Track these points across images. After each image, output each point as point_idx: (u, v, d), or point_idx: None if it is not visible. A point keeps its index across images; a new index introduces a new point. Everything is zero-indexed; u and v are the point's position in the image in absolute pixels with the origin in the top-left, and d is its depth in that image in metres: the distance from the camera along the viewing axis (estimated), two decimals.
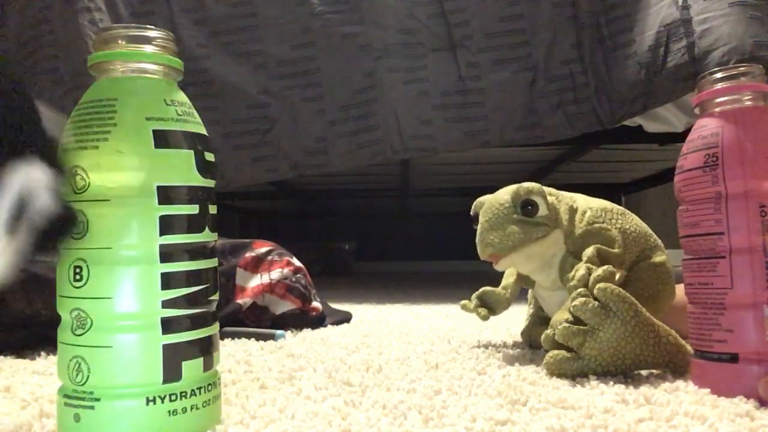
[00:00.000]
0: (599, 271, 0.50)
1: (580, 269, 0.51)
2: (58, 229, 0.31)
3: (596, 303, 0.48)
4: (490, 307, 0.65)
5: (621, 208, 0.60)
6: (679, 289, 0.56)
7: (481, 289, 0.66)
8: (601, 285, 0.48)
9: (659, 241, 0.60)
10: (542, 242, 0.55)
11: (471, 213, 0.59)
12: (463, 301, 0.66)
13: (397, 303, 1.20)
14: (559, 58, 1.14)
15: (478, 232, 0.56)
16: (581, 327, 0.48)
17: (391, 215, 3.02)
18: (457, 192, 2.24)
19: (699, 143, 0.44)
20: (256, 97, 1.18)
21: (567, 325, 0.48)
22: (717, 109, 0.44)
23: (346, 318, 0.90)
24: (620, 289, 0.48)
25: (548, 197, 0.56)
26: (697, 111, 0.46)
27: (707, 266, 0.43)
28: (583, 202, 0.59)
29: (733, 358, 0.41)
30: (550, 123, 1.14)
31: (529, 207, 0.55)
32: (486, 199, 0.58)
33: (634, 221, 0.59)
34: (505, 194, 0.56)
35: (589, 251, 0.53)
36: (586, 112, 1.13)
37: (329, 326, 0.83)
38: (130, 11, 1.21)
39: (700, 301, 0.44)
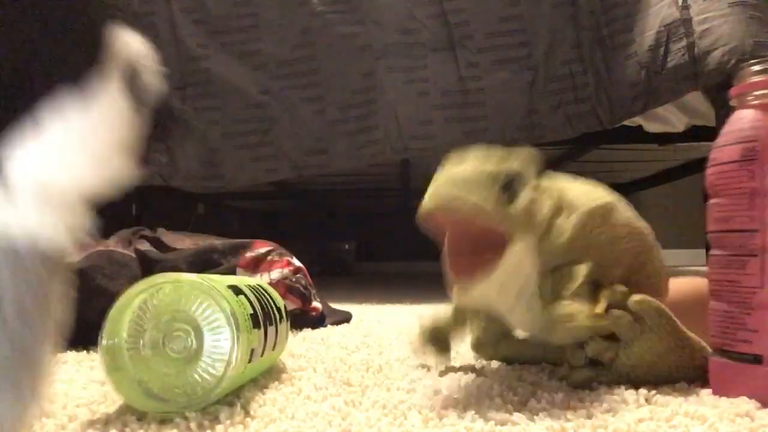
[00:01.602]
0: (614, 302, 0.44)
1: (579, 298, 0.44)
2: (169, 118, 0.30)
3: (631, 317, 0.44)
4: (445, 342, 0.53)
5: (605, 205, 0.49)
6: (684, 284, 0.55)
7: (429, 325, 0.53)
8: (638, 298, 0.45)
9: (653, 236, 0.52)
10: (514, 255, 0.42)
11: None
12: (414, 344, 0.54)
13: (397, 303, 1.20)
14: (559, 58, 1.14)
15: (433, 180, 0.43)
16: (613, 343, 0.45)
17: (391, 215, 3.01)
18: None
19: (736, 136, 0.42)
20: (256, 97, 1.18)
21: (599, 339, 0.45)
22: (756, 102, 0.42)
23: (346, 318, 0.90)
24: (658, 302, 0.45)
25: (529, 192, 0.44)
26: (734, 103, 0.44)
27: (736, 263, 0.42)
28: (567, 201, 0.48)
29: (757, 360, 0.40)
30: (550, 123, 1.14)
31: (508, 191, 0.43)
32: (460, 155, 0.45)
33: (622, 221, 0.49)
34: (486, 164, 0.43)
35: (579, 273, 0.45)
36: (586, 112, 1.13)
37: (329, 326, 0.83)
38: (131, 11, 1.21)
39: (725, 299, 0.43)
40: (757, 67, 0.43)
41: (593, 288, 0.46)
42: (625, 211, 0.50)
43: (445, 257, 0.44)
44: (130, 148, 0.28)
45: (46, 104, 0.24)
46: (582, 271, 0.45)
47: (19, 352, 0.23)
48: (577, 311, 0.43)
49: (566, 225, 0.46)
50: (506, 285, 0.43)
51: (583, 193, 0.49)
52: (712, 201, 0.45)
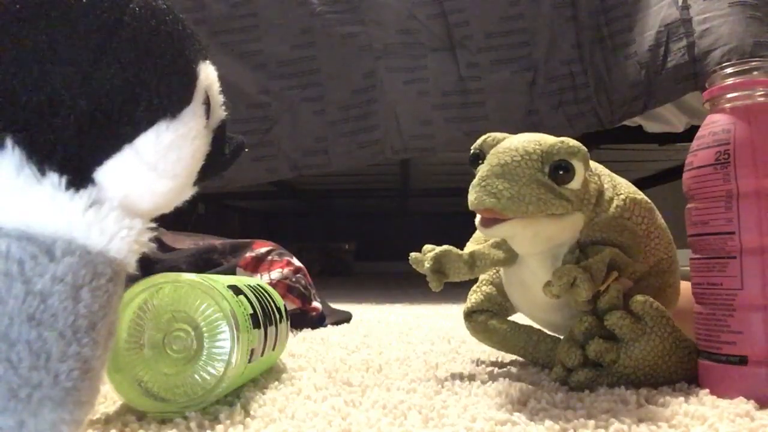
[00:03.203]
0: (609, 296, 0.44)
1: (569, 275, 0.43)
2: (232, 145, 0.33)
3: (632, 318, 0.44)
4: (443, 272, 0.49)
5: (650, 202, 0.50)
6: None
7: (441, 248, 0.50)
8: (640, 298, 0.44)
9: (676, 251, 0.53)
10: (558, 222, 0.44)
11: (472, 149, 0.46)
12: (415, 255, 0.50)
13: (397, 303, 1.20)
14: (559, 58, 1.15)
15: (480, 175, 0.42)
16: (614, 343, 0.44)
17: (391, 215, 3.01)
18: (457, 192, 2.24)
19: (710, 140, 0.43)
20: (256, 97, 1.18)
21: (600, 340, 0.44)
22: (728, 105, 0.42)
23: (346, 318, 0.90)
24: (658, 303, 0.45)
25: (582, 169, 0.44)
26: (707, 106, 0.44)
27: (717, 266, 0.42)
28: (609, 185, 0.48)
29: (742, 361, 0.40)
30: (550, 123, 1.14)
31: (561, 172, 0.42)
32: (503, 137, 0.45)
33: (660, 222, 0.51)
34: (534, 144, 0.43)
35: (605, 255, 0.45)
36: (586, 112, 1.13)
37: (329, 326, 0.83)
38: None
39: (708, 302, 0.43)
40: (729, 70, 0.43)
41: (608, 271, 0.45)
42: (661, 219, 0.51)
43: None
44: (197, 170, 0.31)
45: (145, 129, 0.26)
46: (608, 252, 0.45)
47: (84, 365, 0.24)
48: (580, 272, 0.43)
49: (613, 202, 0.47)
50: (539, 235, 0.44)
51: (628, 185, 0.50)
52: (689, 205, 0.45)
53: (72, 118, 0.25)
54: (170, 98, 0.27)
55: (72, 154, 0.25)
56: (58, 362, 0.23)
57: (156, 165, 0.27)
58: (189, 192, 0.31)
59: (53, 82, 0.24)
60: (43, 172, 0.24)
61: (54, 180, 0.24)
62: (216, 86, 0.32)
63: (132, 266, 0.28)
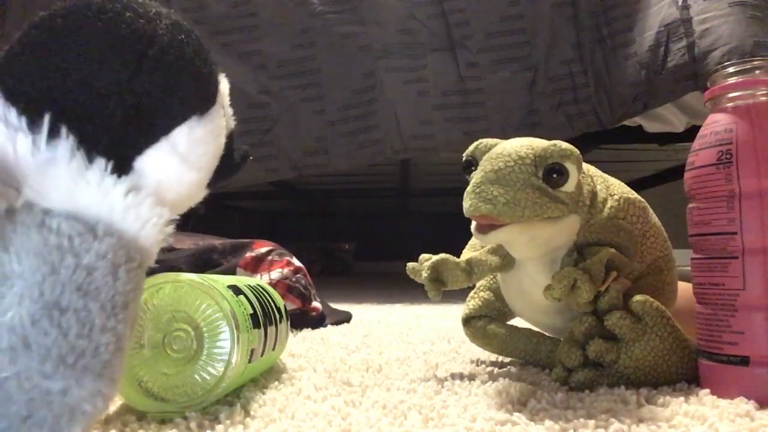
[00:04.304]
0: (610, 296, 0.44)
1: (568, 278, 0.43)
2: (238, 153, 0.36)
3: (632, 318, 0.44)
4: (441, 281, 0.49)
5: (643, 201, 0.51)
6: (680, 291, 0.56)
7: (438, 257, 0.49)
8: (639, 298, 0.44)
9: (671, 249, 0.53)
10: (554, 225, 0.44)
11: (464, 156, 0.46)
12: (412, 265, 0.50)
13: (397, 303, 1.20)
14: (559, 58, 1.15)
15: (474, 181, 0.42)
16: (614, 343, 0.44)
17: (391, 215, 3.01)
18: (457, 192, 2.24)
19: (712, 139, 0.42)
20: (256, 97, 1.18)
21: (600, 341, 0.44)
22: (730, 105, 0.42)
23: (346, 318, 0.90)
24: (658, 303, 0.45)
25: (576, 172, 0.44)
26: (708, 106, 0.44)
27: (718, 266, 0.42)
28: (602, 186, 0.49)
29: (744, 361, 0.40)
30: (550, 123, 1.14)
31: (555, 175, 0.42)
32: (495, 143, 0.45)
33: (654, 221, 0.51)
34: (526, 148, 0.43)
35: (603, 256, 0.45)
36: (586, 112, 1.13)
37: (329, 326, 0.83)
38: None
39: (710, 302, 0.43)
40: (731, 69, 0.43)
41: (606, 272, 0.45)
42: (656, 218, 0.52)
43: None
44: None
45: (180, 123, 0.29)
46: (605, 252, 0.45)
47: (118, 341, 0.26)
48: (580, 274, 0.43)
49: (607, 203, 0.47)
50: (536, 239, 0.44)
51: (620, 185, 0.50)
52: (690, 205, 0.45)
53: (118, 112, 0.28)
54: (200, 97, 0.30)
55: (117, 143, 0.28)
56: (100, 333, 0.25)
57: (187, 156, 0.30)
58: (203, 192, 0.33)
59: (102, 82, 0.27)
60: (91, 158, 0.26)
61: (101, 166, 0.27)
62: (227, 98, 0.34)
63: (153, 258, 0.29)
